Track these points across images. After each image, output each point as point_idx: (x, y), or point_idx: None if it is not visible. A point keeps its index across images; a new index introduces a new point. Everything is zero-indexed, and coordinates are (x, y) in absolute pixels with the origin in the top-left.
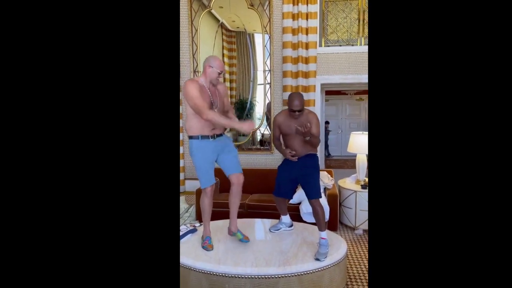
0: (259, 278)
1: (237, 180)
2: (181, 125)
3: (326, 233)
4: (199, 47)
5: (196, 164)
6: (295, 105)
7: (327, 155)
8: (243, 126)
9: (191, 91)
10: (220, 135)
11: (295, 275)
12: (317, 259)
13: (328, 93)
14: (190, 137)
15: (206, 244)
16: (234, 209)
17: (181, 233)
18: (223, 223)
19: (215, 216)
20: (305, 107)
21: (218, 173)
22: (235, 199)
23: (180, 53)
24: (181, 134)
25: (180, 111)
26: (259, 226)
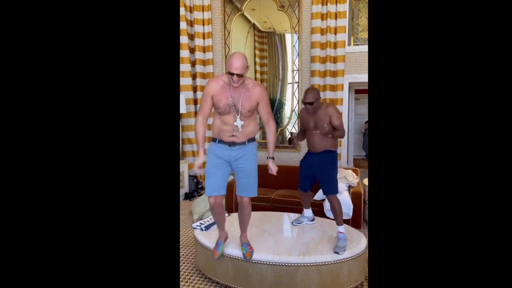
0: (279, 265)
1: (240, 201)
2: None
3: (344, 227)
4: (231, 49)
5: (206, 168)
6: (306, 98)
7: (366, 157)
8: (196, 162)
9: (205, 89)
10: (243, 143)
11: (314, 265)
12: (336, 252)
13: (358, 91)
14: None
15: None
16: (241, 224)
17: (207, 224)
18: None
19: None
20: (326, 103)
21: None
22: (241, 216)
23: (214, 54)
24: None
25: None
26: (283, 219)
